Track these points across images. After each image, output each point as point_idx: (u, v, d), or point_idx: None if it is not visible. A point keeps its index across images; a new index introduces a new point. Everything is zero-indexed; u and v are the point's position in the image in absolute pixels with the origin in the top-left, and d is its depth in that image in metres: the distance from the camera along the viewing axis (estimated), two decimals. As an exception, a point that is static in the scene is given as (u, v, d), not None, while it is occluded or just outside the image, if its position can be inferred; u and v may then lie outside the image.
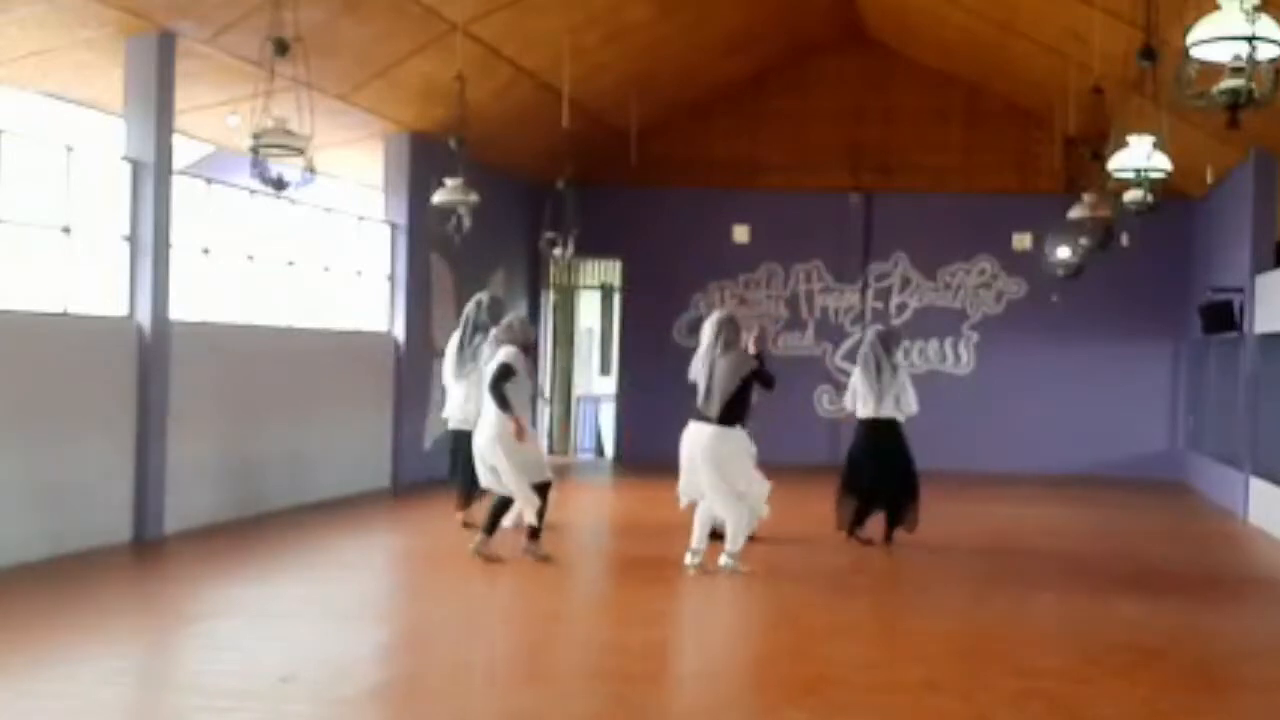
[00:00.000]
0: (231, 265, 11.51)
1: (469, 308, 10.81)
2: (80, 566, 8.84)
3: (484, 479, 9.28)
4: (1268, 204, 13.29)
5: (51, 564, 8.78)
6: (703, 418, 8.91)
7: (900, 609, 8.44)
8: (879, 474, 10.46)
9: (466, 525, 10.35)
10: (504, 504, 9.29)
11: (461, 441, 10.13)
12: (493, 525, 9.25)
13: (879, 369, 10.48)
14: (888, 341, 10.67)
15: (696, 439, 8.92)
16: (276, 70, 8.69)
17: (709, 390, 8.88)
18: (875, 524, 10.61)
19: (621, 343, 18.37)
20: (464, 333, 10.65)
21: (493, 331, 9.89)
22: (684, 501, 9.33)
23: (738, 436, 8.99)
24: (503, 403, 8.96)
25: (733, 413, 8.90)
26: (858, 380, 10.63)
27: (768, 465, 9.25)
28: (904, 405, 10.52)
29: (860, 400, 10.56)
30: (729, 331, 9.01)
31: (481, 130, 12.37)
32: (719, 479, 8.88)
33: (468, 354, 10.52)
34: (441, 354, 11.51)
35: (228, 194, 11.58)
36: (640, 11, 13.72)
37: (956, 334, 17.66)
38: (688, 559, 9.07)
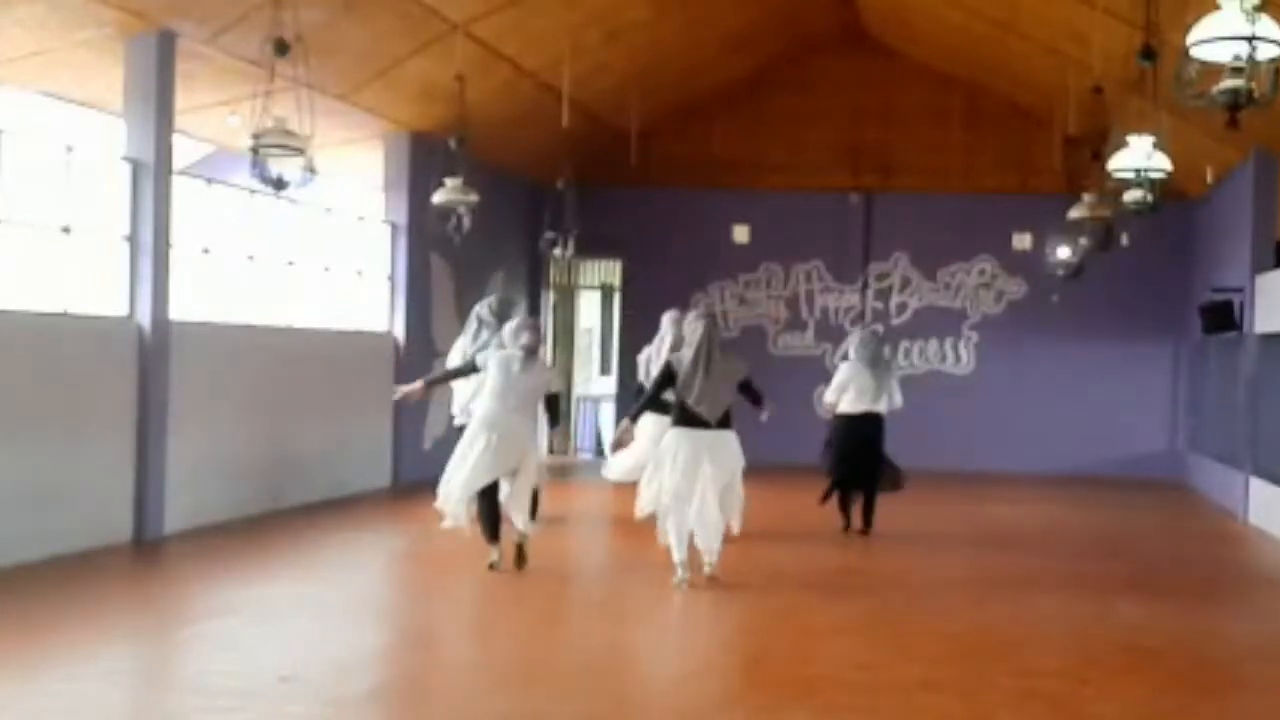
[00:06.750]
0: (231, 265, 11.51)
1: (479, 308, 10.63)
2: (80, 566, 8.85)
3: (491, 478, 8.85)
4: (1268, 204, 13.29)
5: (52, 564, 8.77)
6: (700, 422, 8.47)
7: (900, 609, 8.42)
8: (864, 464, 10.89)
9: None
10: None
11: None
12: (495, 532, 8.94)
13: (876, 366, 10.95)
14: (883, 341, 11.05)
15: (699, 443, 8.46)
16: (276, 70, 8.71)
17: (705, 394, 8.47)
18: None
19: (621, 343, 18.36)
20: (475, 330, 10.50)
21: (507, 327, 9.58)
22: (647, 510, 9.15)
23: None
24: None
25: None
26: (853, 376, 10.89)
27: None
28: (895, 401, 10.96)
29: (855, 395, 10.84)
30: (716, 333, 8.74)
31: (481, 130, 12.37)
32: (726, 476, 8.58)
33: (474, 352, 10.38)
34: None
35: (228, 194, 11.58)
36: (640, 11, 13.71)
37: (956, 334, 17.65)
38: (679, 577, 8.44)
